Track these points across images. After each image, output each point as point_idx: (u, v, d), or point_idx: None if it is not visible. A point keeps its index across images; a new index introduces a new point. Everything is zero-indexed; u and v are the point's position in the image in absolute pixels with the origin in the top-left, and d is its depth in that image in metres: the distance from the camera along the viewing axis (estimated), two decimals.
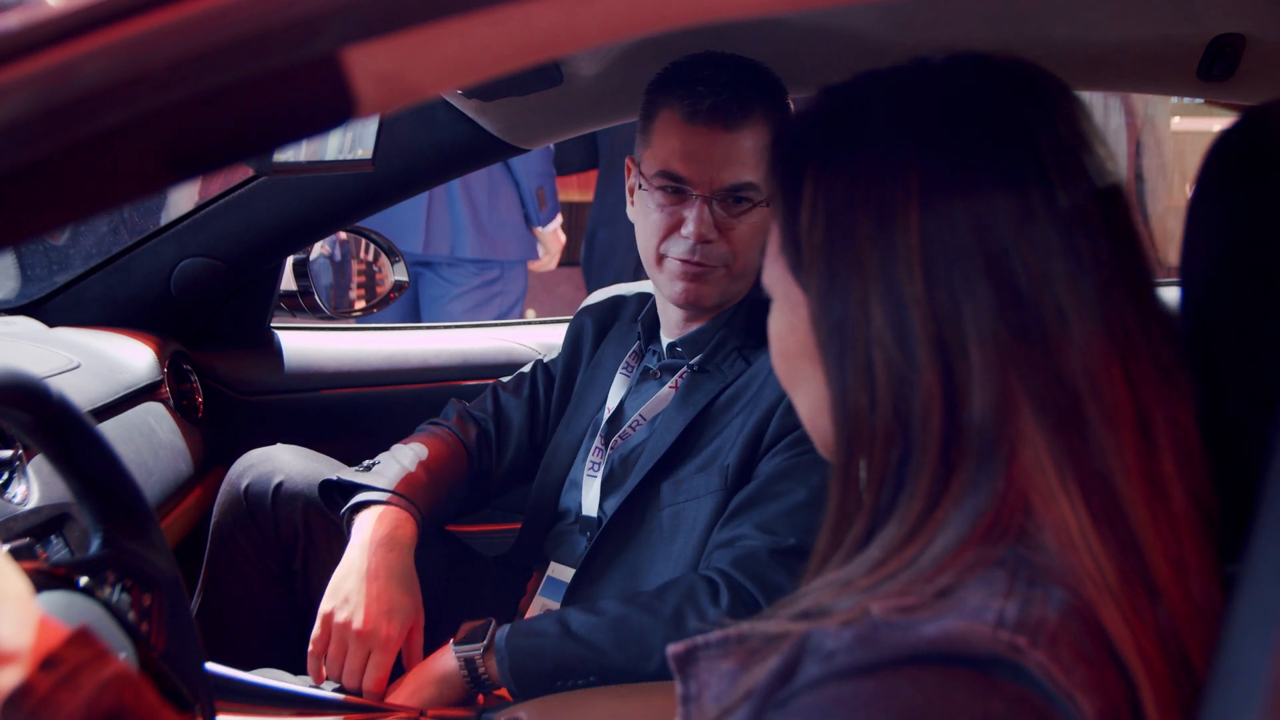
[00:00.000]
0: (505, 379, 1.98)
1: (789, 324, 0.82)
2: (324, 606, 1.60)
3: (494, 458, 1.89)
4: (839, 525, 0.79)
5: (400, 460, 1.76)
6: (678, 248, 1.63)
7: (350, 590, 1.60)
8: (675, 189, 1.62)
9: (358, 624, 1.57)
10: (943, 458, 0.74)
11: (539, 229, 3.96)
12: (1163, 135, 3.82)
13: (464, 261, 3.87)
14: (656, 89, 1.65)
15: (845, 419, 0.78)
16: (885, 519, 0.76)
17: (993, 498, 0.73)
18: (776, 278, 0.83)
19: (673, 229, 1.63)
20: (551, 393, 1.92)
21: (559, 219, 4.02)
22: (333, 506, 1.74)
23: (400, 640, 1.60)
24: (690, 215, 1.61)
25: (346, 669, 1.57)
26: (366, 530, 1.65)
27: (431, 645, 1.63)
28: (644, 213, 1.67)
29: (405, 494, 1.70)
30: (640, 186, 1.67)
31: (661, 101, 1.64)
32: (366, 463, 1.77)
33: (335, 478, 1.74)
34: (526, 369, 1.97)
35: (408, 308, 3.96)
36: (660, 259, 1.65)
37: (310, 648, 1.60)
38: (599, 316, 1.93)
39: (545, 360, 1.97)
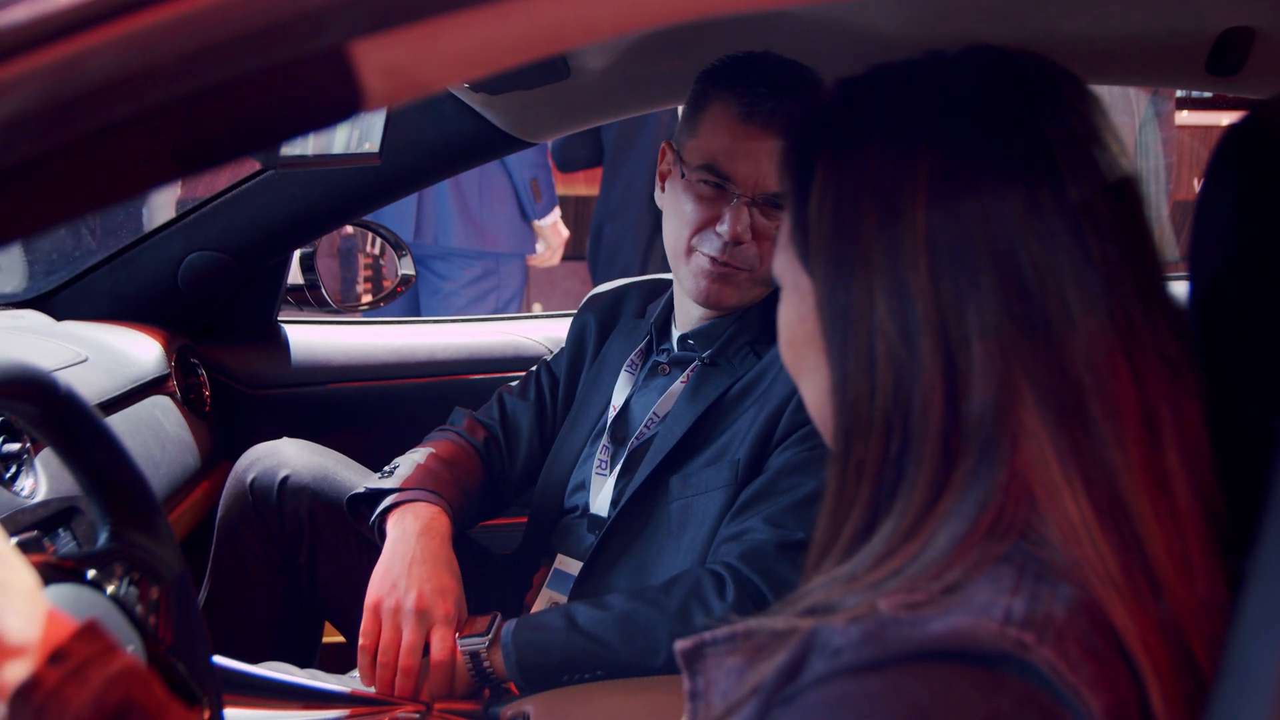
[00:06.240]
0: (512, 384, 1.97)
1: (797, 313, 0.83)
2: (371, 597, 1.58)
3: (505, 461, 1.89)
4: (836, 514, 0.79)
5: (419, 461, 1.76)
6: (709, 244, 1.61)
7: (398, 576, 1.58)
8: (717, 185, 1.60)
9: (411, 603, 1.56)
10: (943, 449, 0.74)
11: (536, 222, 3.93)
12: (1163, 137, 3.81)
13: (454, 255, 3.85)
14: (713, 79, 1.61)
15: (845, 406, 0.78)
16: (886, 511, 0.76)
17: (995, 490, 0.73)
18: (786, 266, 0.83)
19: (706, 224, 1.61)
20: (557, 393, 1.91)
21: (557, 211, 4.00)
22: (359, 519, 1.74)
23: (457, 619, 1.58)
24: (728, 214, 1.58)
25: (404, 646, 1.55)
26: (402, 525, 1.64)
27: None
28: (677, 202, 1.64)
29: (432, 489, 1.70)
30: (681, 175, 1.64)
31: (716, 93, 1.60)
32: (386, 469, 1.77)
33: (363, 489, 1.73)
34: (532, 370, 1.97)
35: (409, 306, 3.96)
36: (689, 252, 1.63)
37: (361, 641, 1.58)
38: (601, 314, 1.91)
39: (549, 360, 1.97)
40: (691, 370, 1.71)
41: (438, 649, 1.55)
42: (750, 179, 1.58)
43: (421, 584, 1.57)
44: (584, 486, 1.77)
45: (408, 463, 1.76)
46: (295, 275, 2.28)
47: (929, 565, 0.72)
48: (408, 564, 1.59)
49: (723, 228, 1.59)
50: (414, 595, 1.57)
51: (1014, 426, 0.73)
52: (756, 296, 1.68)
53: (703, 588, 1.53)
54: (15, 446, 1.38)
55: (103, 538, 1.10)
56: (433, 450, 1.79)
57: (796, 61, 1.63)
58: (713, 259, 1.61)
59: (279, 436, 1.88)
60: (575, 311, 2.00)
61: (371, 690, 1.57)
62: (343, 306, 2.34)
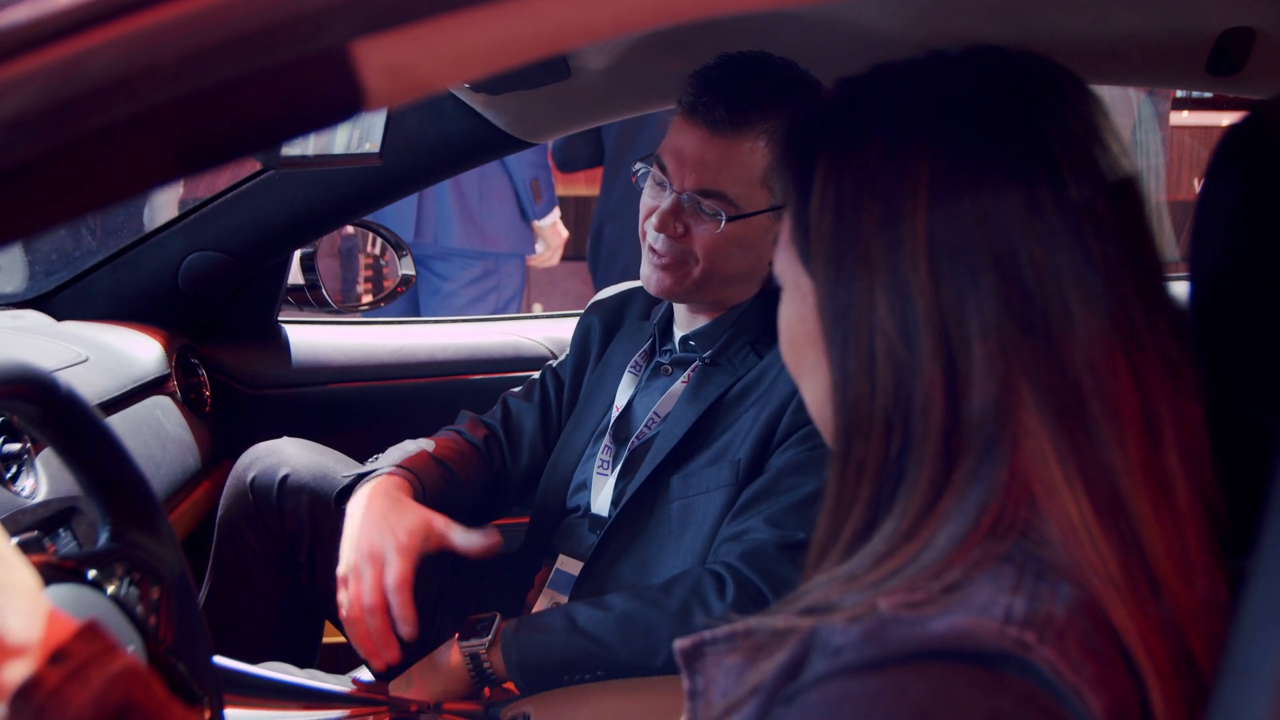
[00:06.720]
0: (516, 388, 1.98)
1: (798, 313, 0.83)
2: (339, 572, 1.59)
3: (507, 459, 1.89)
4: (836, 514, 0.79)
5: (402, 448, 1.78)
6: (649, 232, 1.67)
7: (350, 545, 1.59)
8: (659, 178, 1.66)
9: (365, 554, 1.57)
10: (944, 449, 0.74)
11: (536, 222, 3.93)
12: (1160, 135, 3.82)
13: (454, 255, 3.85)
14: (693, 75, 1.67)
15: (845, 406, 0.78)
16: (886, 511, 0.76)
17: (996, 490, 0.73)
18: (786, 265, 0.84)
19: (651, 213, 1.67)
20: (562, 395, 1.92)
21: (556, 211, 4.00)
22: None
23: (417, 547, 1.58)
24: (662, 205, 1.64)
25: (366, 587, 1.56)
26: (354, 503, 1.65)
27: (438, 639, 1.63)
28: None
29: (399, 465, 1.71)
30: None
31: (682, 92, 1.66)
32: (374, 457, 1.77)
33: (347, 479, 1.74)
34: (537, 375, 1.97)
35: (409, 306, 3.96)
36: (644, 239, 1.69)
37: (342, 613, 1.59)
38: (606, 316, 1.93)
39: (554, 365, 1.97)
40: (692, 370, 1.72)
41: (392, 576, 1.54)
42: (679, 173, 1.63)
43: (369, 535, 1.58)
44: (586, 486, 1.77)
45: (395, 452, 1.77)
46: (295, 275, 2.28)
47: (929, 565, 0.72)
48: (356, 533, 1.60)
49: (653, 217, 1.65)
50: (364, 546, 1.57)
51: (1014, 426, 0.73)
52: (724, 297, 1.70)
53: (703, 588, 1.53)
54: (16, 446, 1.38)
55: (103, 538, 1.10)
56: (423, 440, 1.81)
57: (786, 69, 1.64)
58: (651, 247, 1.67)
59: (279, 436, 1.88)
60: (576, 311, 2.01)
61: (372, 689, 1.57)
62: (343, 306, 2.34)
